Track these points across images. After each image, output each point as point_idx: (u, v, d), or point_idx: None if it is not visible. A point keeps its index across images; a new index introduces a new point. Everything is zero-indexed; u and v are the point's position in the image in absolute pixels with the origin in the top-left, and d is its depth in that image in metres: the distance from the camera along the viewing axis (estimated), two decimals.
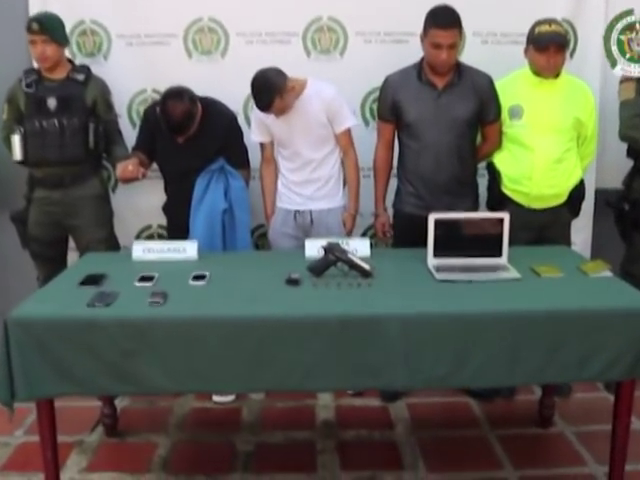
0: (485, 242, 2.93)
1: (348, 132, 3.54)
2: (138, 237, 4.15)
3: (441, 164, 3.38)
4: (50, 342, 2.37)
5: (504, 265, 2.88)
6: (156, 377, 2.39)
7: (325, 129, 3.46)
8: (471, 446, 3.25)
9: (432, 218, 2.86)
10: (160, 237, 4.12)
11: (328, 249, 2.77)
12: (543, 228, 3.51)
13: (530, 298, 2.54)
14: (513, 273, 2.79)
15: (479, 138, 3.56)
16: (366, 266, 2.74)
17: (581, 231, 4.07)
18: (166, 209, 3.78)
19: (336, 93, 3.46)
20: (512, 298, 2.54)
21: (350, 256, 2.76)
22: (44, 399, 2.47)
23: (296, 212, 3.61)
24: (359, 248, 3.06)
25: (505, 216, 2.89)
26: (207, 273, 2.80)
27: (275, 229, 3.68)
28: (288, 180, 3.60)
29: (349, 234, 3.62)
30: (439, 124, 3.35)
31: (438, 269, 2.82)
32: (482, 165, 3.67)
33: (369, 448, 3.23)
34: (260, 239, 4.12)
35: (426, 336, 2.39)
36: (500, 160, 3.54)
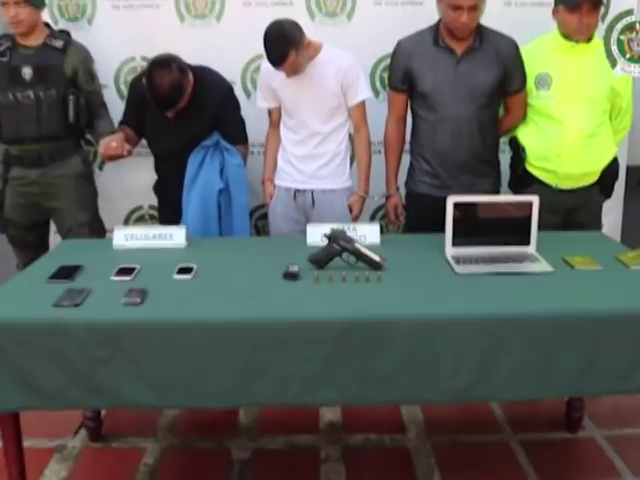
0: (511, 229, 2.60)
1: (362, 106, 3.19)
2: (128, 219, 3.84)
3: (460, 139, 3.03)
4: (11, 348, 2.05)
5: (533, 255, 2.54)
6: (133, 389, 2.08)
7: (337, 100, 3.12)
8: (492, 453, 2.94)
9: (451, 201, 2.52)
10: (152, 219, 3.82)
11: (332, 237, 2.43)
12: (572, 211, 3.17)
13: (566, 296, 2.20)
14: (544, 265, 2.44)
15: (501, 110, 3.21)
16: (376, 257, 2.40)
17: (610, 212, 3.72)
18: (157, 189, 3.47)
19: (354, 62, 3.11)
20: (545, 296, 2.20)
21: (357, 245, 2.42)
22: (5, 414, 2.14)
23: (296, 191, 3.27)
24: (368, 235, 2.74)
25: (534, 199, 2.54)
26: (194, 265, 2.47)
27: (274, 210, 3.35)
28: (290, 154, 3.25)
29: (356, 219, 3.27)
30: (458, 94, 3.00)
31: (458, 260, 2.48)
32: (503, 140, 3.35)
33: (378, 455, 2.92)
34: (260, 221, 3.81)
35: (445, 342, 2.06)
36: (525, 135, 3.19)
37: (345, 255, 2.43)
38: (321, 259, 2.42)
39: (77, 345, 2.05)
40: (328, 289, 2.26)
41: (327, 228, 2.66)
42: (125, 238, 2.75)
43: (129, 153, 3.08)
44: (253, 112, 3.40)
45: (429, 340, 2.06)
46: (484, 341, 2.07)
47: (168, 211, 3.37)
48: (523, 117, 3.18)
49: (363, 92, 3.15)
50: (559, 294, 2.21)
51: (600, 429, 3.09)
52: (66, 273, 2.41)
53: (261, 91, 3.25)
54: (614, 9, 3.34)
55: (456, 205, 2.53)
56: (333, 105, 3.13)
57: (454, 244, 2.56)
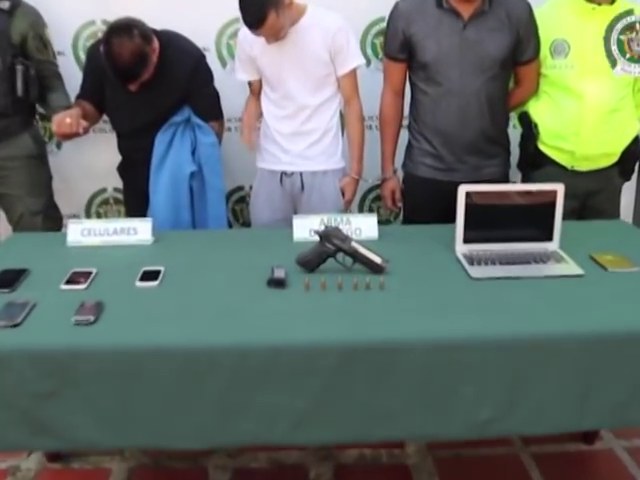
0: (531, 222, 2.24)
1: (353, 75, 2.81)
2: (90, 203, 3.48)
3: (467, 115, 2.67)
4: None
5: (557, 253, 2.19)
6: (86, 428, 1.71)
7: (325, 68, 2.73)
8: (501, 468, 2.61)
9: (462, 191, 2.15)
10: (117, 203, 3.46)
11: (324, 235, 2.05)
12: (589, 195, 2.84)
13: (606, 307, 1.85)
14: (572, 266, 2.09)
15: (511, 82, 2.84)
16: (376, 259, 2.04)
17: (623, 193, 3.33)
18: (121, 171, 3.09)
19: (343, 24, 2.71)
20: (580, 308, 1.85)
21: (354, 245, 2.04)
22: None
23: (282, 174, 2.89)
24: (364, 228, 2.39)
25: (559, 188, 2.18)
26: (161, 268, 2.09)
27: (257, 196, 2.98)
28: (274, 132, 2.87)
29: (348, 204, 2.90)
30: (464, 64, 2.62)
31: (471, 260, 2.12)
32: (512, 115, 2.97)
33: (375, 474, 2.59)
34: (238, 204, 3.46)
35: (463, 367, 1.71)
36: (538, 110, 2.83)
37: (340, 256, 2.06)
38: (311, 261, 2.06)
39: (16, 376, 1.67)
40: (321, 300, 1.90)
41: (316, 220, 2.31)
42: (81, 233, 2.37)
43: (86, 131, 2.69)
44: (229, 83, 3.04)
45: (445, 366, 1.71)
46: (510, 366, 1.72)
47: (134, 197, 3.01)
48: (535, 89, 2.82)
49: (354, 58, 2.77)
50: (597, 305, 1.87)
51: (619, 440, 2.77)
52: (8, 280, 2.02)
53: (240, 61, 2.85)
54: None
55: (468, 195, 2.15)
56: (321, 74, 2.75)
57: (466, 240, 2.21)
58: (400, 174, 2.94)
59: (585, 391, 1.75)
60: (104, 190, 3.47)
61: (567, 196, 2.59)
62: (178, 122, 2.81)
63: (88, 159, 3.36)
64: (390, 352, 1.69)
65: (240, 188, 3.40)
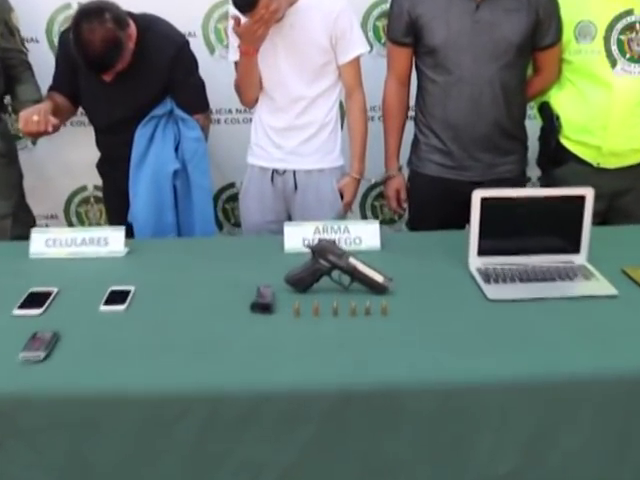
0: (555, 232, 1.96)
1: (356, 63, 2.52)
2: (69, 202, 3.23)
3: (480, 107, 2.39)
4: None
5: (585, 268, 1.92)
6: None
7: (325, 55, 2.45)
8: None
9: (477, 197, 1.88)
10: (99, 202, 3.20)
11: (318, 251, 1.77)
12: (615, 195, 2.55)
13: None
14: (603, 285, 1.82)
15: (529, 69, 2.55)
16: (378, 277, 1.77)
17: None
18: (100, 168, 2.82)
19: (346, 5, 2.43)
20: (614, 336, 1.58)
21: (352, 261, 1.77)
22: None
23: (274, 172, 2.61)
24: (364, 236, 2.13)
25: (587, 193, 1.89)
26: (131, 288, 1.82)
27: (246, 195, 2.70)
28: (266, 125, 2.58)
29: (348, 207, 2.64)
30: (477, 49, 2.34)
31: (487, 276, 1.86)
32: (531, 105, 2.70)
33: None
34: (229, 203, 3.20)
35: (479, 413, 1.43)
36: (560, 100, 2.54)
37: (336, 274, 1.78)
38: (303, 280, 1.79)
39: None
40: (313, 330, 1.63)
41: (309, 228, 2.05)
42: (45, 244, 2.10)
43: (56, 129, 2.40)
44: (218, 72, 2.80)
45: (458, 411, 1.44)
46: (536, 411, 1.45)
47: (115, 196, 2.75)
48: (556, 78, 2.54)
49: (358, 45, 2.48)
50: (636, 333, 1.58)
51: None
52: None
53: (233, 42, 2.53)
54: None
55: (484, 201, 1.87)
56: (320, 62, 2.46)
57: (480, 252, 1.92)
58: (405, 171, 2.65)
59: (624, 439, 1.48)
60: (84, 188, 3.20)
61: None
62: (160, 115, 2.54)
63: (66, 155, 3.09)
64: (393, 395, 1.43)
65: (231, 185, 3.15)
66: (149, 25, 2.45)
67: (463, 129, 2.42)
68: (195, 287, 1.87)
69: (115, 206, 2.76)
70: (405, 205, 2.65)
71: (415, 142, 2.58)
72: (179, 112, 2.55)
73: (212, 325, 1.65)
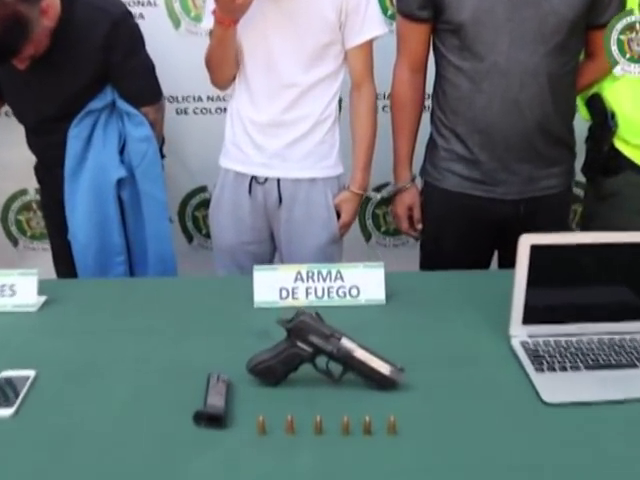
0: (631, 291, 1.38)
1: (368, 48, 1.98)
2: (7, 208, 2.67)
3: (519, 104, 1.84)
4: None
5: None
6: None
7: (329, 34, 1.90)
8: None
9: (526, 244, 1.31)
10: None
11: (294, 329, 1.22)
12: None
13: None
14: None
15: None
16: (384, 368, 1.21)
17: None
18: (37, 173, 2.31)
19: None
20: None
21: (346, 344, 1.21)
22: None
23: (253, 180, 2.05)
24: (363, 287, 1.58)
25: None
26: (31, 373, 1.27)
27: (218, 208, 2.14)
28: (245, 119, 2.02)
29: (345, 229, 2.12)
30: (517, 28, 1.78)
31: (538, 358, 1.32)
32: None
33: None
34: (199, 210, 2.68)
35: None
36: (617, 94, 1.98)
37: (321, 360, 1.22)
38: (273, 371, 1.23)
39: None
40: (284, 463, 1.08)
41: (288, 273, 1.52)
42: None
43: None
44: (184, 50, 2.35)
45: None
46: None
47: (54, 208, 2.21)
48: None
49: (373, 26, 1.94)
50: None
51: None
52: None
53: (209, 10, 1.96)
54: None
55: (535, 250, 1.31)
56: (322, 42, 1.91)
57: (526, 320, 1.36)
58: (419, 182, 2.09)
59: None
60: (24, 192, 2.66)
61: None
62: (98, 110, 2.05)
63: (2, 153, 2.55)
64: None
65: (202, 189, 2.62)
66: None
67: (496, 133, 1.86)
68: (119, 371, 1.31)
69: (55, 220, 2.24)
70: (419, 226, 2.08)
71: (432, 146, 2.02)
72: (123, 105, 2.06)
73: (131, 450, 1.10)
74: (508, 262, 2.03)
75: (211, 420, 1.14)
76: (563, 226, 2.06)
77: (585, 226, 2.14)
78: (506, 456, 1.09)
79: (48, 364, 1.32)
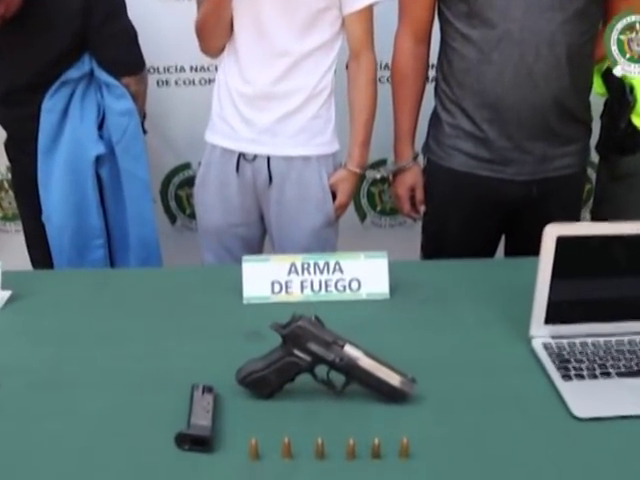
0: None
1: (368, 15, 1.82)
2: None
3: (534, 76, 1.68)
4: None
5: None
6: None
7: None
8: None
9: (552, 235, 1.16)
10: None
11: (290, 335, 1.08)
12: None
13: None
14: None
15: None
16: (393, 378, 1.07)
17: None
18: (7, 150, 2.16)
19: None
20: None
21: (350, 352, 1.07)
22: None
23: (241, 157, 1.90)
24: (365, 279, 1.44)
25: None
26: None
27: (203, 187, 1.99)
28: (232, 91, 1.87)
29: (341, 210, 1.97)
30: None
31: (563, 364, 1.18)
32: None
33: None
34: (183, 189, 2.52)
35: None
36: None
37: (321, 369, 1.07)
38: (266, 382, 1.08)
39: None
40: None
41: (282, 264, 1.36)
42: None
43: None
44: (167, 17, 2.21)
45: None
46: None
47: (26, 187, 2.06)
48: None
49: None
50: None
51: None
52: None
53: None
54: None
55: (562, 241, 1.16)
56: (318, 6, 1.75)
57: (549, 319, 1.22)
58: (421, 161, 1.94)
59: None
60: None
61: None
62: (75, 80, 1.91)
63: None
64: None
65: (186, 166, 2.46)
66: None
67: (507, 107, 1.71)
68: (94, 383, 1.16)
69: (28, 201, 2.11)
70: (422, 208, 1.93)
71: (436, 122, 1.87)
72: (102, 75, 1.94)
73: (102, 478, 0.95)
74: (516, 248, 1.91)
75: (196, 443, 0.99)
76: (577, 210, 1.92)
77: (597, 209, 2.00)
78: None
79: (9, 373, 1.17)
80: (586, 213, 2.19)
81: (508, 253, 1.97)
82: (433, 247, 1.95)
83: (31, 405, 1.10)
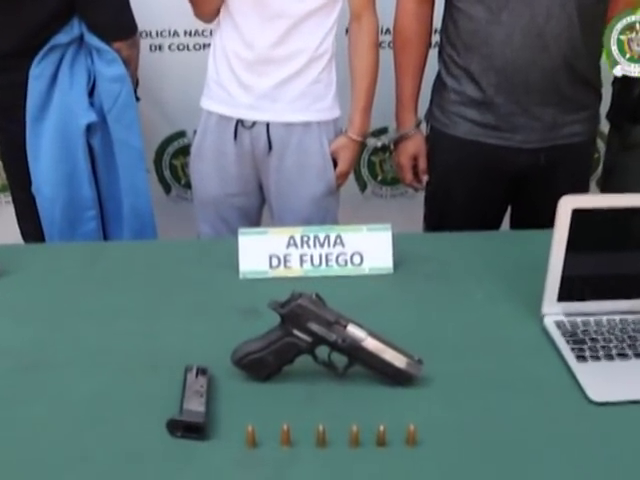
0: None
1: None
2: None
3: (544, 38, 1.61)
4: None
5: None
6: None
7: None
8: None
9: (567, 207, 1.09)
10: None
11: (290, 318, 1.00)
12: None
13: None
14: None
15: None
16: (399, 360, 1.00)
17: None
18: None
19: None
20: None
21: (353, 331, 1.00)
22: None
23: (239, 124, 1.83)
24: (368, 253, 1.38)
25: None
26: None
27: (199, 156, 1.92)
28: (230, 55, 1.80)
29: (343, 178, 1.91)
30: None
31: (577, 344, 1.12)
32: None
33: None
34: (177, 158, 2.45)
35: None
36: None
37: (321, 350, 1.01)
38: (263, 364, 1.02)
39: None
40: None
41: (280, 237, 1.31)
42: None
43: None
44: None
45: None
46: None
47: (15, 157, 1.99)
48: None
49: None
50: None
51: None
52: None
53: None
54: None
55: (576, 214, 1.09)
56: None
57: (562, 296, 1.15)
58: (424, 128, 1.87)
59: None
60: None
61: None
62: (64, 44, 1.82)
63: None
64: None
65: (180, 134, 2.39)
66: None
67: (515, 71, 1.64)
68: (82, 364, 1.10)
69: (17, 170, 2.02)
70: (425, 178, 1.86)
71: (440, 87, 1.79)
72: (92, 39, 1.84)
73: (90, 467, 0.90)
74: (522, 219, 1.84)
75: (189, 430, 0.93)
76: (585, 180, 1.86)
77: (606, 180, 1.94)
78: (549, 469, 0.89)
79: None
80: (592, 184, 2.13)
81: (514, 224, 1.90)
82: (436, 218, 1.89)
83: (14, 388, 1.04)
